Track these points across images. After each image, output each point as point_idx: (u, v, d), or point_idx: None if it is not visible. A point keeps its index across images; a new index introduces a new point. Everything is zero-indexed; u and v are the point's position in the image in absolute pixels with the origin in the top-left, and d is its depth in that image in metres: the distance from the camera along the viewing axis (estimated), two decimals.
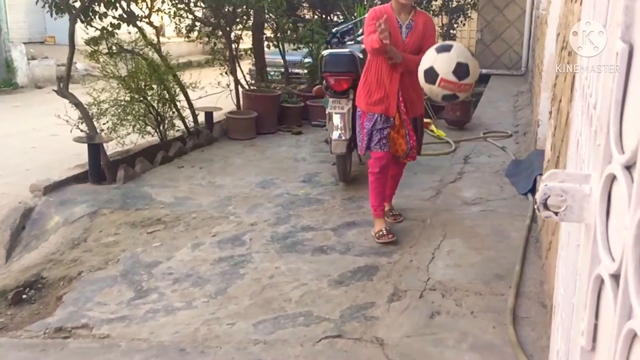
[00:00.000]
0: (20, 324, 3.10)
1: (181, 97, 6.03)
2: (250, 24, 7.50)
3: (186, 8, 6.77)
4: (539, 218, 3.78)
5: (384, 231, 3.68)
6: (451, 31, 10.89)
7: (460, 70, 2.99)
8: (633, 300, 0.61)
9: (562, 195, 0.90)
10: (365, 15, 5.79)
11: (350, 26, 5.57)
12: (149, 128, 5.65)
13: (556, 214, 0.92)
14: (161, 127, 5.75)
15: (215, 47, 7.29)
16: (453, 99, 3.19)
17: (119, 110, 5.35)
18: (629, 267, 0.63)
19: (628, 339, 0.63)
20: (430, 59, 3.08)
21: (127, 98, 5.44)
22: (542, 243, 3.48)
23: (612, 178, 0.77)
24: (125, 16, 5.57)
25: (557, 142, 3.12)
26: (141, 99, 5.50)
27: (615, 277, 0.70)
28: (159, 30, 6.40)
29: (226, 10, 6.77)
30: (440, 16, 10.83)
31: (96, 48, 5.51)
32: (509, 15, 10.71)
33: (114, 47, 5.60)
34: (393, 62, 3.54)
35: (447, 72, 2.98)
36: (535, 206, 0.93)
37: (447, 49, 3.08)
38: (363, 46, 5.41)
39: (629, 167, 0.69)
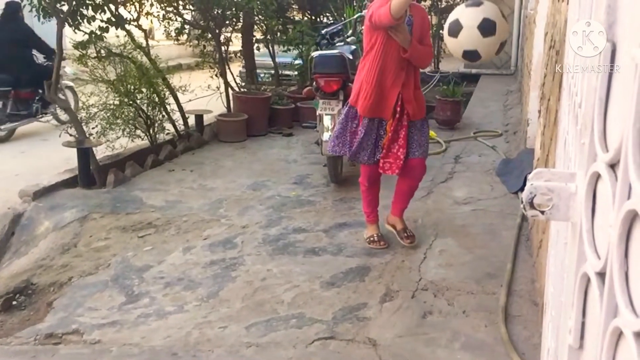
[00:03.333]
0: (10, 331, 3.08)
1: (171, 100, 6.01)
2: (240, 26, 7.50)
3: (175, 11, 6.75)
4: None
5: (376, 237, 3.66)
6: (440, 31, 10.90)
7: (486, 26, 2.85)
8: (618, 299, 0.61)
9: (548, 194, 0.91)
10: (357, 15, 5.79)
11: (339, 27, 5.58)
12: (138, 132, 5.63)
13: (542, 212, 0.92)
14: (151, 131, 5.72)
15: (205, 50, 7.28)
16: (475, 58, 3.00)
17: (108, 114, 5.33)
18: (614, 265, 0.63)
19: (614, 337, 0.63)
20: (456, 12, 2.92)
21: (117, 102, 5.42)
22: (532, 241, 3.49)
23: (597, 176, 0.77)
24: (113, 19, 5.55)
25: (546, 140, 3.14)
26: (130, 102, 5.48)
27: (601, 275, 0.70)
28: (147, 34, 6.38)
29: (215, 12, 6.75)
30: (429, 16, 10.83)
31: (84, 52, 5.48)
32: None
33: (102, 51, 5.57)
34: (402, 42, 3.24)
35: (471, 25, 2.86)
36: (522, 205, 0.94)
37: (477, 4, 2.91)
38: (353, 47, 5.44)
39: (613, 166, 0.70)
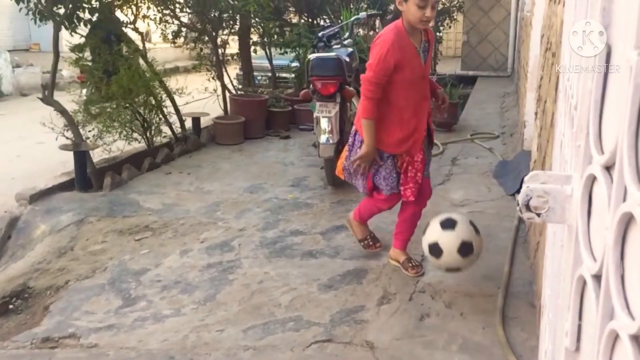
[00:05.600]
0: (6, 335, 3.07)
1: (168, 103, 6.01)
2: (237, 28, 7.50)
3: (172, 14, 6.75)
4: None
5: (370, 241, 3.58)
6: (437, 34, 10.94)
7: (465, 249, 2.84)
8: (614, 301, 0.61)
9: (544, 197, 0.91)
10: (354, 18, 5.79)
11: (336, 30, 5.58)
12: (135, 135, 5.61)
13: (539, 215, 0.92)
14: (148, 134, 5.71)
15: (202, 53, 7.28)
16: (455, 271, 3.06)
17: (105, 117, 5.32)
18: (610, 268, 0.63)
19: (610, 340, 0.63)
20: (434, 234, 2.90)
21: (113, 105, 5.40)
22: (530, 243, 3.50)
23: (593, 179, 0.77)
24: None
25: (543, 142, 3.14)
26: (127, 105, 5.47)
27: (597, 277, 0.70)
28: (144, 36, 6.37)
29: (212, 15, 6.75)
30: None
31: (81, 55, 5.47)
32: (494, 17, 10.78)
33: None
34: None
35: (452, 250, 2.85)
36: (518, 208, 0.94)
37: (451, 225, 2.88)
38: (350, 49, 5.44)
39: (608, 168, 0.69)
